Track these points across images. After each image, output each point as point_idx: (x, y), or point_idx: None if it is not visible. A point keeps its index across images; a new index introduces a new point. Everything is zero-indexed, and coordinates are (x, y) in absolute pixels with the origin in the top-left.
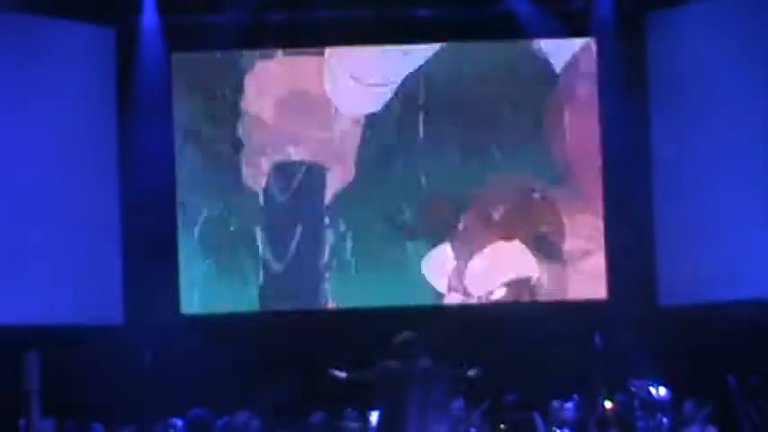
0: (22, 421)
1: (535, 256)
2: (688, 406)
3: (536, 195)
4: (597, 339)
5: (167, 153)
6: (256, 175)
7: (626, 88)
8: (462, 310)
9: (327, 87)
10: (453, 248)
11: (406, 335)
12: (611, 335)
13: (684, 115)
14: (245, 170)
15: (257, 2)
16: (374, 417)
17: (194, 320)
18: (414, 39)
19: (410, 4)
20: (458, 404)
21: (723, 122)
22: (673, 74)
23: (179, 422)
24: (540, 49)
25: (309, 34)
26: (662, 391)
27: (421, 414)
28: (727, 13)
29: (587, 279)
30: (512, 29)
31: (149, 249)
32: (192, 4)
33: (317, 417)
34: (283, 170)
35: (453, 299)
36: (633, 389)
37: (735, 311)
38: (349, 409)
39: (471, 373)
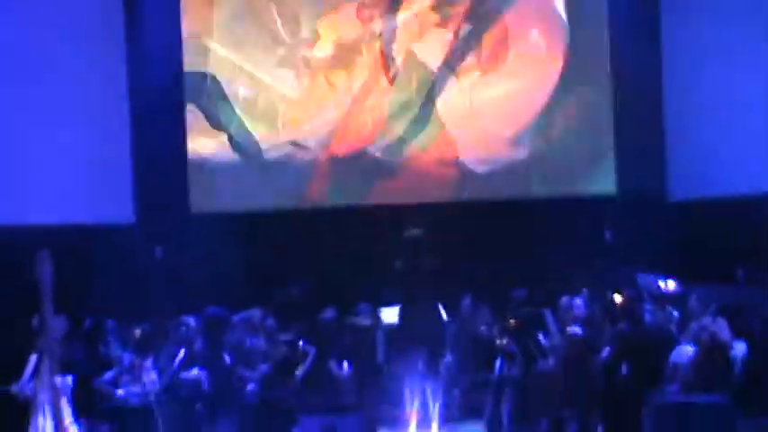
0: (35, 319)
1: None
2: (697, 298)
3: None
4: (607, 235)
5: (176, 50)
6: None
7: None
8: (470, 205)
9: None
10: None
11: (413, 231)
12: (620, 230)
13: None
14: None
15: None
16: (385, 313)
17: (205, 218)
18: None
19: None
20: (465, 302)
21: (735, 17)
22: None
23: (191, 320)
24: None
25: None
26: (671, 284)
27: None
28: None
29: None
30: None
31: (159, 149)
32: None
33: (328, 313)
34: None
35: None
36: (642, 283)
37: (743, 206)
38: (361, 305)
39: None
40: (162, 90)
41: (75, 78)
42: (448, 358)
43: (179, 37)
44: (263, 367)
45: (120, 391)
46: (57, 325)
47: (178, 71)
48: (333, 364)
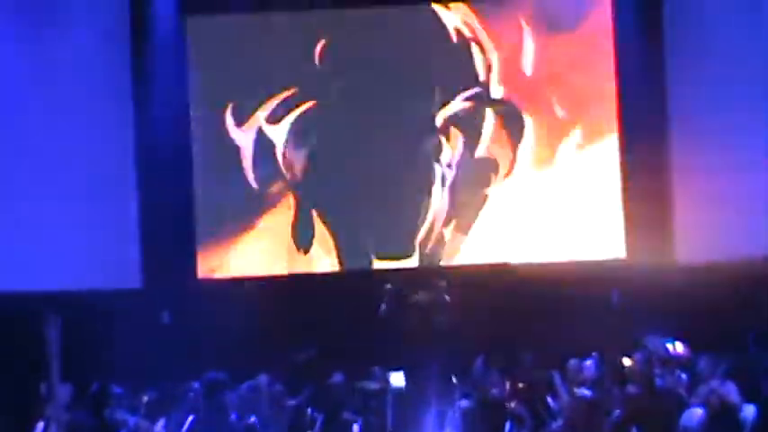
0: (43, 385)
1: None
2: (706, 362)
3: None
4: (615, 297)
5: (183, 118)
6: None
7: (642, 37)
8: (480, 267)
9: None
10: None
11: (423, 293)
12: (629, 292)
13: (701, 67)
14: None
15: None
16: (394, 376)
17: (213, 283)
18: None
19: None
20: (476, 364)
21: (739, 74)
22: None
23: (197, 385)
24: None
25: None
26: (679, 347)
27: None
28: None
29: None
30: None
31: (166, 214)
32: None
33: (337, 377)
34: None
35: None
36: (651, 346)
37: (752, 268)
38: (370, 369)
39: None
40: (170, 157)
41: (82, 143)
42: (458, 421)
43: (186, 107)
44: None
45: None
46: (63, 391)
47: (186, 139)
48: (342, 430)
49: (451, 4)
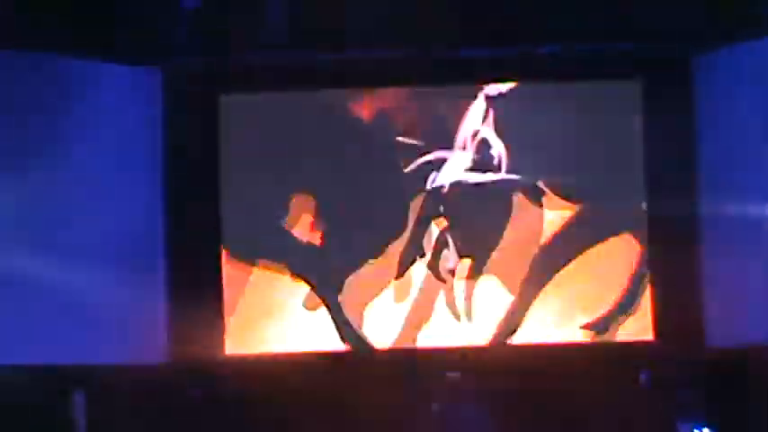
0: None
1: None
2: None
3: None
4: (643, 379)
5: (214, 193)
6: None
7: (673, 129)
8: (508, 349)
9: None
10: None
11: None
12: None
13: (731, 157)
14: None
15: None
16: None
17: (240, 360)
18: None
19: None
20: None
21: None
22: (719, 113)
23: None
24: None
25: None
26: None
27: None
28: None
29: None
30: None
31: (193, 290)
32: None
33: None
34: None
35: None
36: (679, 428)
37: None
38: None
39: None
40: (198, 234)
41: (112, 222)
42: None
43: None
44: None
45: None
46: None
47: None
48: None
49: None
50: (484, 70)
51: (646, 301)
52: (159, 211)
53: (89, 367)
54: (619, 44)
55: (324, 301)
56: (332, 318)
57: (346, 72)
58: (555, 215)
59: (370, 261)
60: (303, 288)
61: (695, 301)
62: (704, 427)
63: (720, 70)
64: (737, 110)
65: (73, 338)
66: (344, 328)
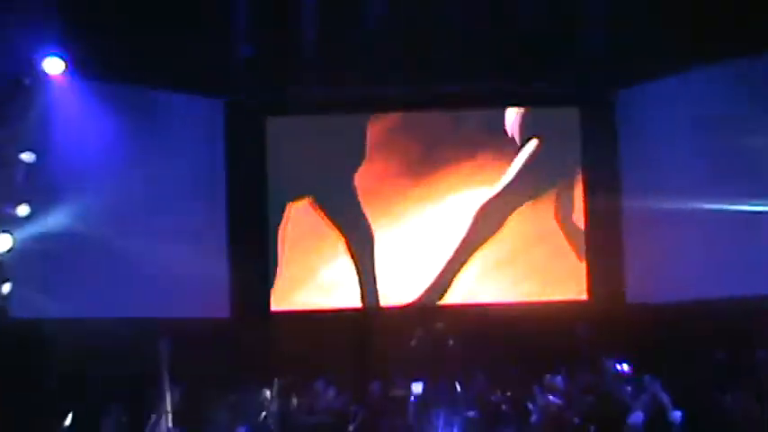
0: (156, 389)
1: None
2: (646, 378)
3: None
4: (580, 329)
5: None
6: None
7: (603, 144)
8: (482, 308)
9: None
10: None
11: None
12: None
13: (650, 158)
14: None
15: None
16: (415, 386)
17: (284, 315)
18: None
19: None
20: (478, 378)
21: (676, 166)
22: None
23: (268, 390)
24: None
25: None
26: (626, 367)
27: None
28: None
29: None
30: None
31: (248, 264)
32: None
33: (374, 386)
34: None
35: None
36: (605, 366)
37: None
38: (398, 380)
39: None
40: (255, 225)
41: (192, 213)
42: (462, 420)
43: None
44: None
45: None
46: (173, 393)
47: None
48: (377, 422)
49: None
50: (465, 100)
51: (583, 270)
52: (223, 206)
53: (172, 320)
54: (563, 81)
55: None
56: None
57: (362, 101)
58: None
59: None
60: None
61: (619, 271)
62: (624, 363)
63: (638, 101)
64: (650, 129)
65: (161, 298)
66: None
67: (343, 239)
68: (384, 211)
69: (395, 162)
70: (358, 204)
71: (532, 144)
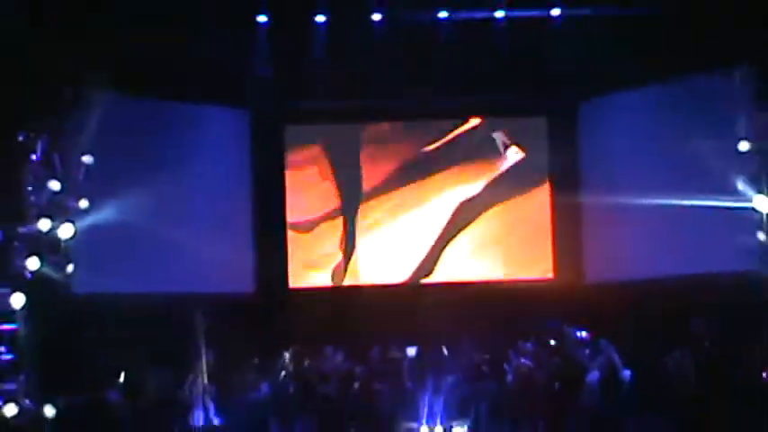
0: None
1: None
2: (601, 343)
3: None
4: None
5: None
6: None
7: (567, 149)
8: (462, 285)
9: None
10: None
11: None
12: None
13: (608, 161)
14: None
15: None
16: (409, 350)
17: (302, 291)
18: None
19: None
20: (463, 343)
21: (630, 172)
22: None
23: (287, 354)
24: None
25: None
26: (584, 334)
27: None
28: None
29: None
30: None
31: (268, 248)
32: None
33: (375, 350)
34: None
35: None
36: (567, 333)
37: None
38: (394, 345)
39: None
40: (276, 212)
41: (226, 204)
42: (449, 378)
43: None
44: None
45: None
46: (207, 356)
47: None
48: (376, 381)
49: None
50: (457, 111)
51: (549, 255)
52: (248, 200)
53: (206, 294)
54: (531, 92)
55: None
56: None
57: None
58: None
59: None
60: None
61: (579, 255)
62: (583, 331)
63: (599, 112)
64: (609, 136)
65: (197, 276)
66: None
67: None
68: (378, 203)
69: (390, 162)
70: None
71: (510, 150)
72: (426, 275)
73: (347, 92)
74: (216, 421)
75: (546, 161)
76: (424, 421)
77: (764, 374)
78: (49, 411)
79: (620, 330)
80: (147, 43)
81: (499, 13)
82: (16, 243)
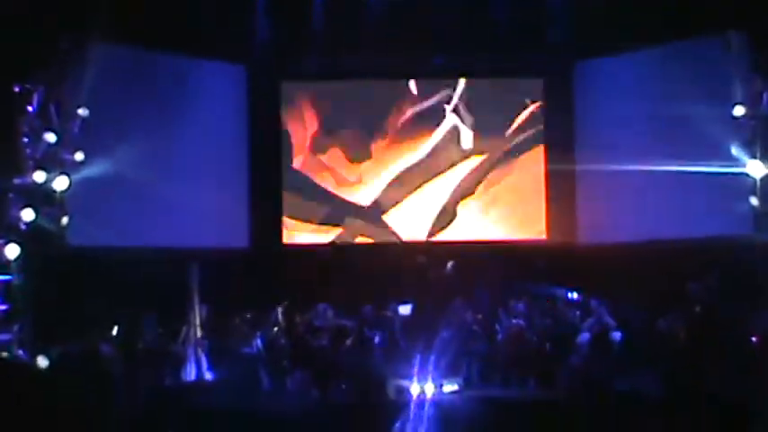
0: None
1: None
2: (593, 304)
3: None
4: (539, 264)
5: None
6: None
7: (562, 111)
8: (455, 245)
9: None
10: None
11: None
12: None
13: (602, 123)
14: None
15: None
16: (401, 308)
17: (296, 249)
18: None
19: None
20: (455, 303)
21: (624, 136)
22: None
23: (279, 309)
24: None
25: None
26: (575, 295)
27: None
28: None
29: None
30: None
31: (265, 203)
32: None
33: (367, 308)
34: None
35: None
36: (558, 294)
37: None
38: (387, 303)
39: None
40: (271, 163)
41: (225, 161)
42: (440, 337)
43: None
44: (325, 339)
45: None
46: (201, 311)
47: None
48: (369, 338)
49: None
50: (448, 70)
51: (542, 214)
52: (245, 156)
53: (201, 249)
54: (528, 54)
55: None
56: None
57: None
58: None
59: None
60: None
61: (572, 217)
62: (575, 292)
63: (593, 74)
64: (603, 98)
65: (192, 231)
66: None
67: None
68: (376, 161)
69: (387, 120)
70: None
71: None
72: (424, 235)
73: (345, 49)
74: (208, 375)
75: (541, 122)
76: (415, 379)
77: (754, 339)
78: (42, 362)
79: (612, 292)
80: None
81: None
82: (11, 194)
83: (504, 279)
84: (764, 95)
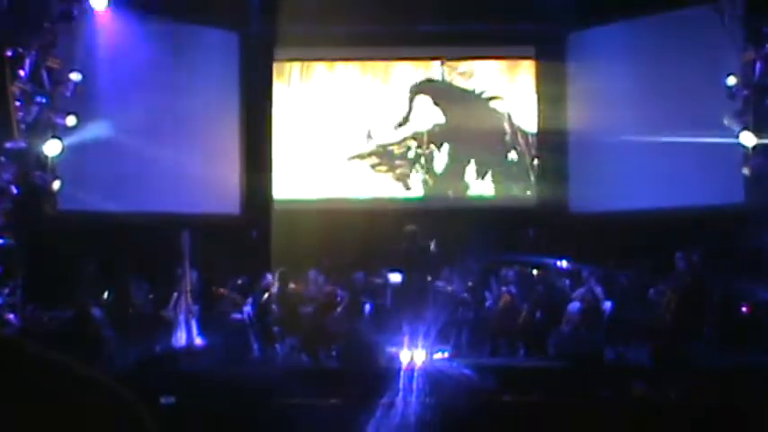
0: (179, 272)
1: None
2: (583, 273)
3: None
4: (530, 233)
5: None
6: None
7: (555, 80)
8: (444, 209)
9: None
10: None
11: (411, 226)
12: (539, 229)
13: (594, 91)
14: None
15: None
16: (392, 276)
17: (290, 210)
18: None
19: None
20: (445, 271)
21: (617, 106)
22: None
23: (269, 276)
24: None
25: None
26: (566, 263)
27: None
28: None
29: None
30: None
31: (257, 174)
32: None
33: (358, 275)
34: None
35: None
36: (549, 262)
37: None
38: (378, 270)
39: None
40: (260, 131)
41: (217, 124)
42: (431, 304)
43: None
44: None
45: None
46: (192, 276)
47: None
48: (359, 305)
49: None
50: (434, 41)
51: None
52: (236, 121)
53: (192, 215)
54: (519, 24)
55: None
56: None
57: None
58: None
59: None
60: None
61: (564, 186)
62: (564, 260)
63: (587, 43)
64: (596, 67)
65: (183, 196)
66: None
67: None
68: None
69: (377, 86)
70: None
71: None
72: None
73: (336, 17)
74: (198, 340)
75: (533, 89)
76: (405, 346)
77: (744, 309)
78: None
79: (603, 261)
80: None
81: None
82: (3, 158)
83: (496, 247)
84: (757, 65)
